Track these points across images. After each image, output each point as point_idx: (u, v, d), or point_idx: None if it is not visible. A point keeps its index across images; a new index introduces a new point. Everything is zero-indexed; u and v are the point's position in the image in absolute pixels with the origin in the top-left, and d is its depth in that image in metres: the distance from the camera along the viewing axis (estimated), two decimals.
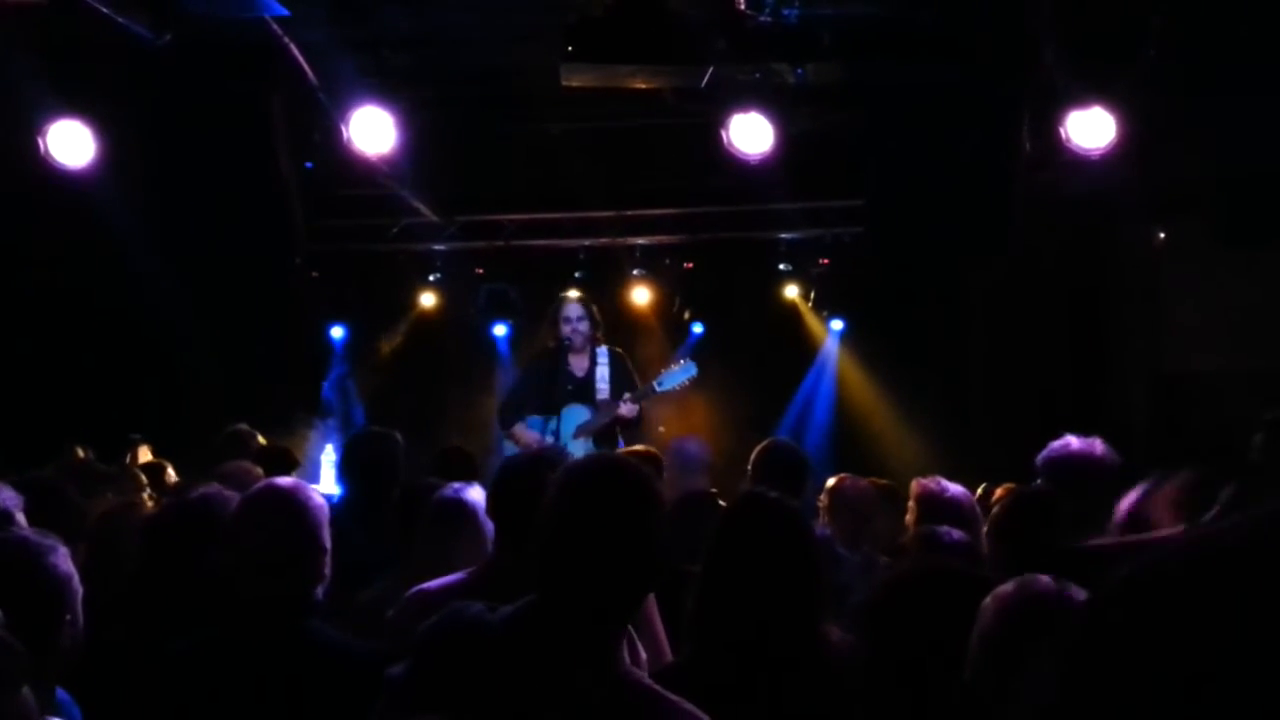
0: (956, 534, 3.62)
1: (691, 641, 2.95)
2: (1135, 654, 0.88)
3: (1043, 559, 2.85)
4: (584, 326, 7.80)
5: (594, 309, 8.01)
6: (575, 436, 7.48)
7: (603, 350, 7.88)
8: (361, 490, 4.83)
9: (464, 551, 3.39)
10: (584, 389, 7.77)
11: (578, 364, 7.86)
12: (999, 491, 4.92)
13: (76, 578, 2.60)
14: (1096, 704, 0.89)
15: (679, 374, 7.64)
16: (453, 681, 2.25)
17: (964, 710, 2.18)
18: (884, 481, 5.67)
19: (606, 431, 7.56)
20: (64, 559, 2.59)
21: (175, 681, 2.93)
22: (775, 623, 2.83)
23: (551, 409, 7.55)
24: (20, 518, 3.31)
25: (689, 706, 2.26)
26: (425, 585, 3.20)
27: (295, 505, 3.06)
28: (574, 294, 8.14)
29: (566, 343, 7.73)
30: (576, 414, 7.63)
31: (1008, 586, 2.23)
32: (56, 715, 2.48)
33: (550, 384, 7.69)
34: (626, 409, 7.54)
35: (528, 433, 7.71)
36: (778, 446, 5.33)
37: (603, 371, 7.80)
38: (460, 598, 2.66)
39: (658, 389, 7.63)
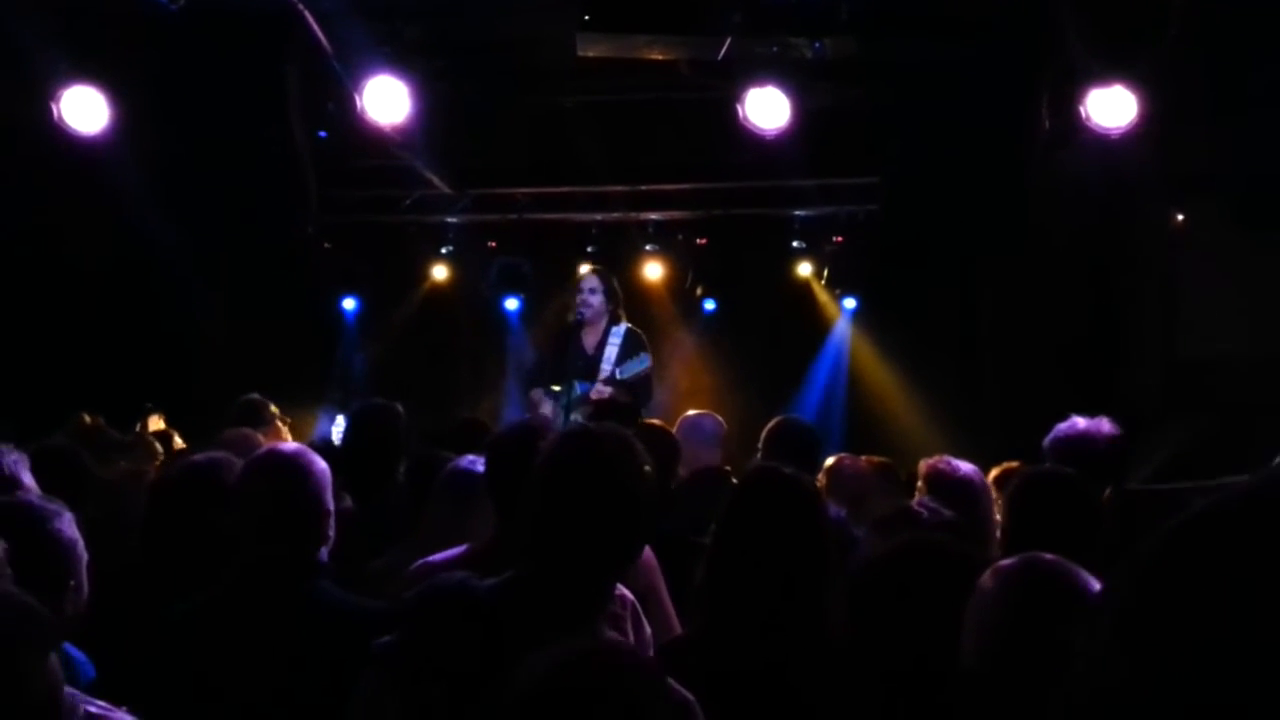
0: (935, 511, 3.59)
1: (699, 614, 2.94)
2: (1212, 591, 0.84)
3: (1060, 538, 2.83)
4: (596, 300, 7.72)
5: (612, 283, 7.93)
6: (571, 410, 7.45)
7: (619, 328, 7.78)
8: (364, 462, 4.81)
9: (476, 523, 3.38)
10: (591, 365, 7.71)
11: (590, 339, 7.80)
12: (995, 471, 4.88)
13: (81, 543, 2.60)
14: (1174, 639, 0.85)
15: (634, 365, 7.62)
16: (438, 651, 2.26)
17: (963, 689, 2.15)
18: (879, 459, 5.63)
19: (613, 412, 7.48)
20: (69, 524, 2.59)
21: (183, 641, 2.96)
22: (783, 597, 2.82)
23: (562, 382, 7.54)
24: (28, 479, 3.31)
25: (672, 682, 2.24)
26: (430, 558, 3.21)
27: (298, 469, 3.10)
28: (592, 267, 8.07)
29: (579, 316, 7.68)
30: (576, 389, 7.60)
31: (1010, 562, 2.20)
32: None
33: (562, 357, 7.67)
34: (595, 392, 7.51)
35: (541, 397, 7.70)
36: (789, 423, 5.31)
37: (610, 351, 7.72)
38: (463, 570, 2.66)
39: (618, 376, 7.60)
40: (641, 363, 7.55)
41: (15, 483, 3.29)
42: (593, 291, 7.70)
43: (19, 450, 3.62)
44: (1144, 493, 3.92)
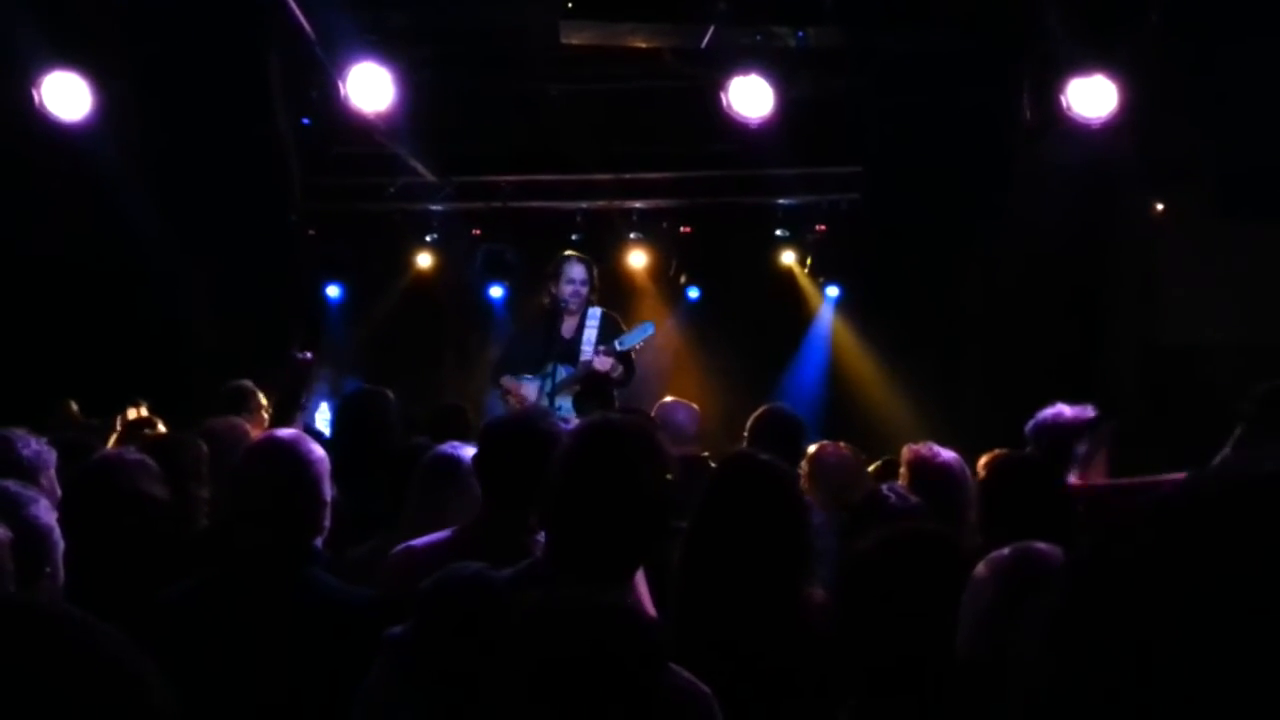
0: (903, 496, 3.62)
1: (676, 597, 2.95)
2: (1159, 589, 0.79)
3: (1032, 522, 2.85)
4: (585, 290, 7.71)
5: (595, 271, 7.92)
6: (553, 394, 7.42)
7: (594, 311, 7.75)
8: (353, 448, 4.81)
9: (457, 509, 3.39)
10: (569, 350, 7.68)
11: (568, 325, 7.76)
12: (984, 458, 4.91)
13: (58, 530, 2.59)
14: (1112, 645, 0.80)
15: (637, 333, 7.59)
16: (454, 640, 2.25)
17: (960, 683, 2.16)
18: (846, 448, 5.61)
19: (596, 390, 7.47)
20: (45, 511, 2.58)
21: (173, 625, 2.94)
22: (759, 581, 2.84)
23: (541, 369, 7.53)
24: (51, 471, 3.31)
25: (685, 674, 2.24)
26: (411, 543, 3.20)
27: (296, 457, 3.07)
28: (577, 254, 8.02)
29: (563, 303, 7.65)
30: (556, 374, 7.58)
31: (1004, 553, 2.21)
32: None
33: (541, 344, 7.64)
34: (599, 361, 7.45)
35: (516, 382, 7.64)
36: (775, 412, 5.32)
37: (590, 334, 7.69)
38: (446, 555, 2.66)
39: (618, 348, 7.54)
40: (645, 330, 7.54)
41: (40, 469, 3.28)
42: (583, 282, 7.66)
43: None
44: (1103, 488, 3.96)
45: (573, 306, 7.66)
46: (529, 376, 7.59)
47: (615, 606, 1.81)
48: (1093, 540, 0.87)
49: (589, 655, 1.76)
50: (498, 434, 3.29)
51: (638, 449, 2.38)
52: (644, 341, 7.60)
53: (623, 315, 8.24)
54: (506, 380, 7.70)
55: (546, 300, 7.77)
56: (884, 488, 3.68)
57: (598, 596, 1.83)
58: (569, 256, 7.91)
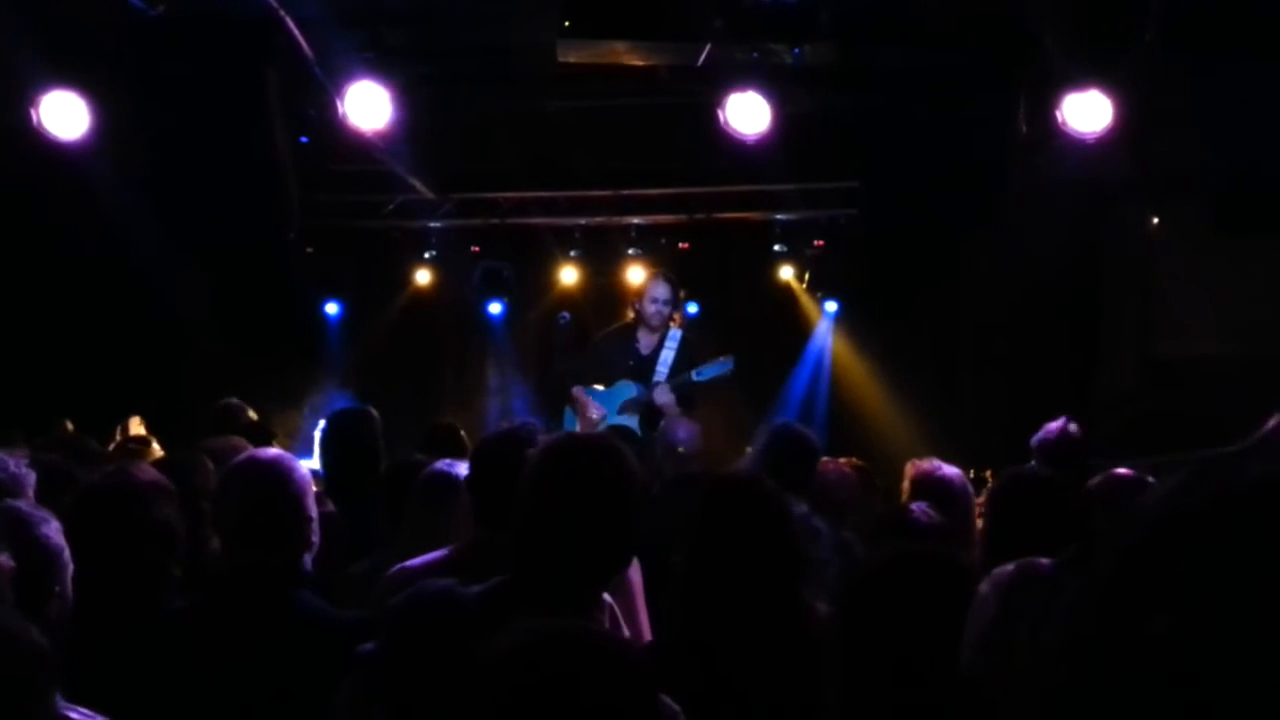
0: (929, 514, 3.61)
1: (674, 621, 2.95)
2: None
3: (1041, 540, 2.85)
4: (668, 310, 7.70)
5: (680, 292, 7.92)
6: (619, 412, 7.44)
7: (674, 333, 7.71)
8: (338, 467, 4.82)
9: (454, 526, 3.39)
10: (644, 367, 7.65)
11: (646, 342, 7.74)
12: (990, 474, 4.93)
13: (67, 551, 2.60)
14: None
15: (716, 367, 7.55)
16: (423, 659, 2.25)
17: (962, 700, 2.16)
18: (856, 462, 5.58)
19: (658, 418, 7.40)
20: (55, 532, 2.59)
21: (161, 648, 2.93)
22: (757, 602, 2.83)
23: (608, 383, 7.55)
24: (29, 491, 3.30)
25: (670, 704, 2.23)
26: (408, 562, 3.20)
27: (276, 475, 3.07)
28: (661, 273, 8.01)
29: (647, 320, 7.64)
30: (626, 390, 7.55)
31: (1007, 569, 2.21)
32: None
33: (618, 358, 7.65)
34: (659, 395, 7.41)
35: (587, 398, 7.59)
36: (785, 431, 5.21)
37: (667, 355, 7.66)
38: (442, 575, 2.66)
39: (694, 379, 7.51)
40: (725, 365, 7.52)
41: (18, 491, 3.27)
42: (666, 302, 7.63)
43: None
44: (1114, 477, 3.95)
45: (654, 324, 7.65)
46: (598, 389, 7.59)
47: (599, 634, 1.77)
48: (1096, 546, 0.85)
49: (571, 688, 1.66)
50: (489, 454, 3.28)
51: (602, 467, 2.39)
52: (720, 377, 7.56)
53: (620, 329, 8.22)
54: (578, 392, 7.65)
55: (631, 315, 7.80)
56: (914, 506, 3.68)
57: (580, 624, 1.79)
58: (656, 274, 7.94)
